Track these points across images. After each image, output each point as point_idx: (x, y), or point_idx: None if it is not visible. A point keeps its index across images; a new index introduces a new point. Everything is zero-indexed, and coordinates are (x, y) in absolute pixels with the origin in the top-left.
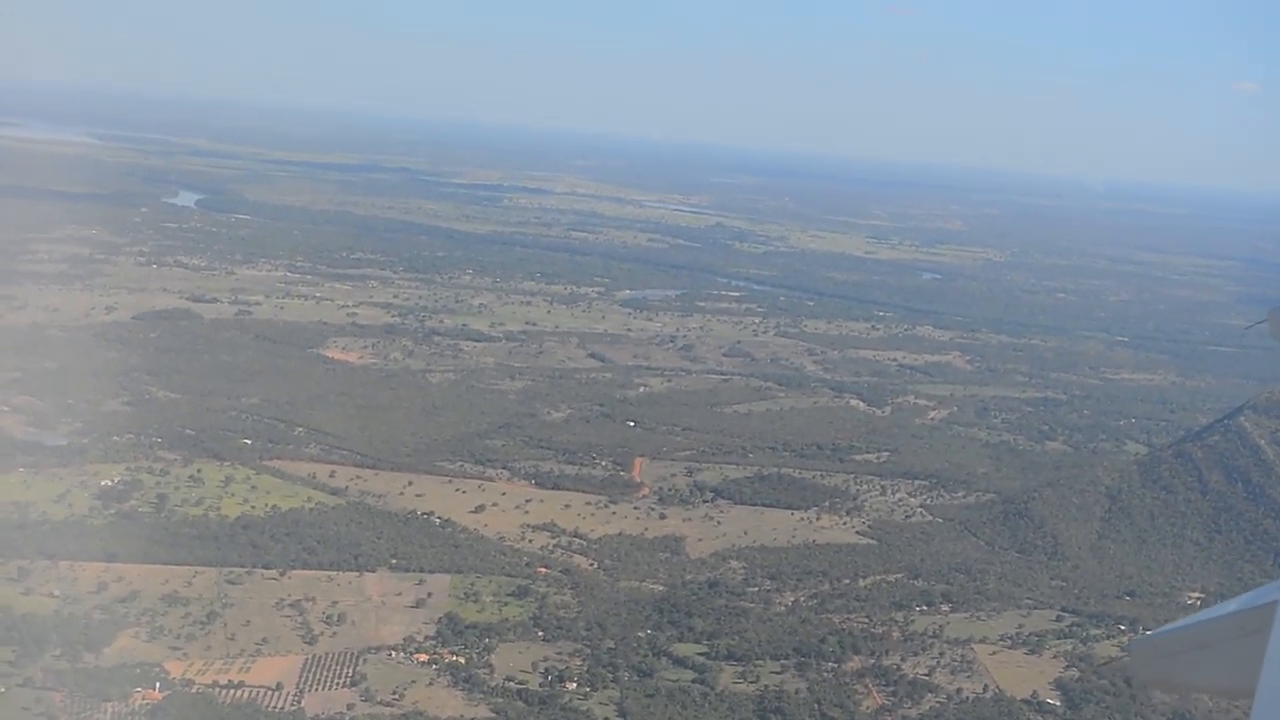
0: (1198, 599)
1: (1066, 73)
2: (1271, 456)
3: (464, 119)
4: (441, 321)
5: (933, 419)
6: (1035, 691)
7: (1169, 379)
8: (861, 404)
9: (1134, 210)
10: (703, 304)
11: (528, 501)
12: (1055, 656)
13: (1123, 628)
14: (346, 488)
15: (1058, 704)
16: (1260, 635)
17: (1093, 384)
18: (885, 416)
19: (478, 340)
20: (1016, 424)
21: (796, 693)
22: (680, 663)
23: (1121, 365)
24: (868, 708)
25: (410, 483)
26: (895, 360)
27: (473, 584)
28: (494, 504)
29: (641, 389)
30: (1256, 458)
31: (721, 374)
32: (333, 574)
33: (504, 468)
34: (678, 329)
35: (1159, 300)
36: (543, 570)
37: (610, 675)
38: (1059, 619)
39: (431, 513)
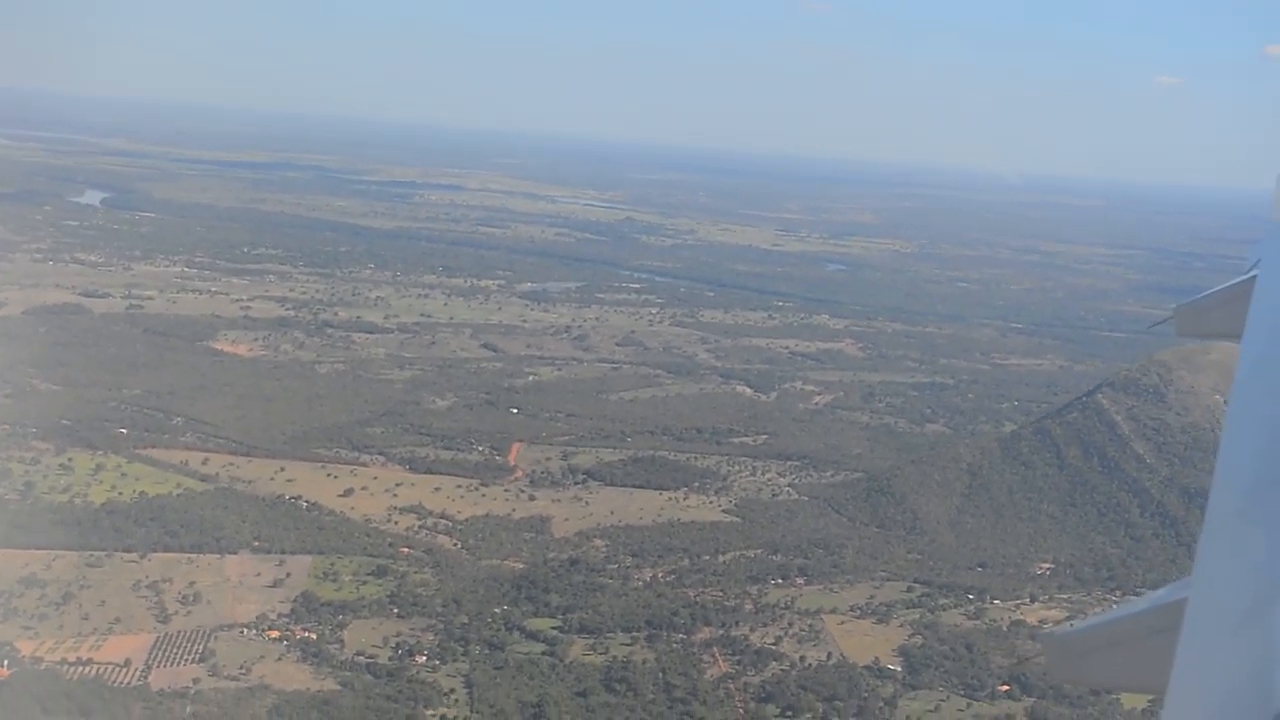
0: (1048, 569)
1: (987, 68)
2: (1126, 431)
3: (387, 118)
4: (336, 314)
5: (817, 404)
6: (877, 658)
7: (1057, 364)
8: (748, 390)
9: (1049, 203)
10: (602, 295)
11: (398, 485)
12: (902, 625)
13: (970, 597)
14: (217, 474)
15: (898, 669)
16: (1170, 633)
17: (981, 369)
18: (770, 402)
19: (370, 332)
20: (900, 408)
21: (644, 663)
22: (533, 636)
23: (1012, 351)
24: (711, 676)
25: (282, 469)
26: (788, 348)
27: (333, 564)
28: (364, 488)
29: (530, 378)
30: (1112, 433)
31: (612, 363)
32: (194, 556)
33: (380, 454)
34: (573, 320)
35: (1059, 289)
36: (405, 550)
37: (461, 649)
38: (910, 590)
39: (299, 497)
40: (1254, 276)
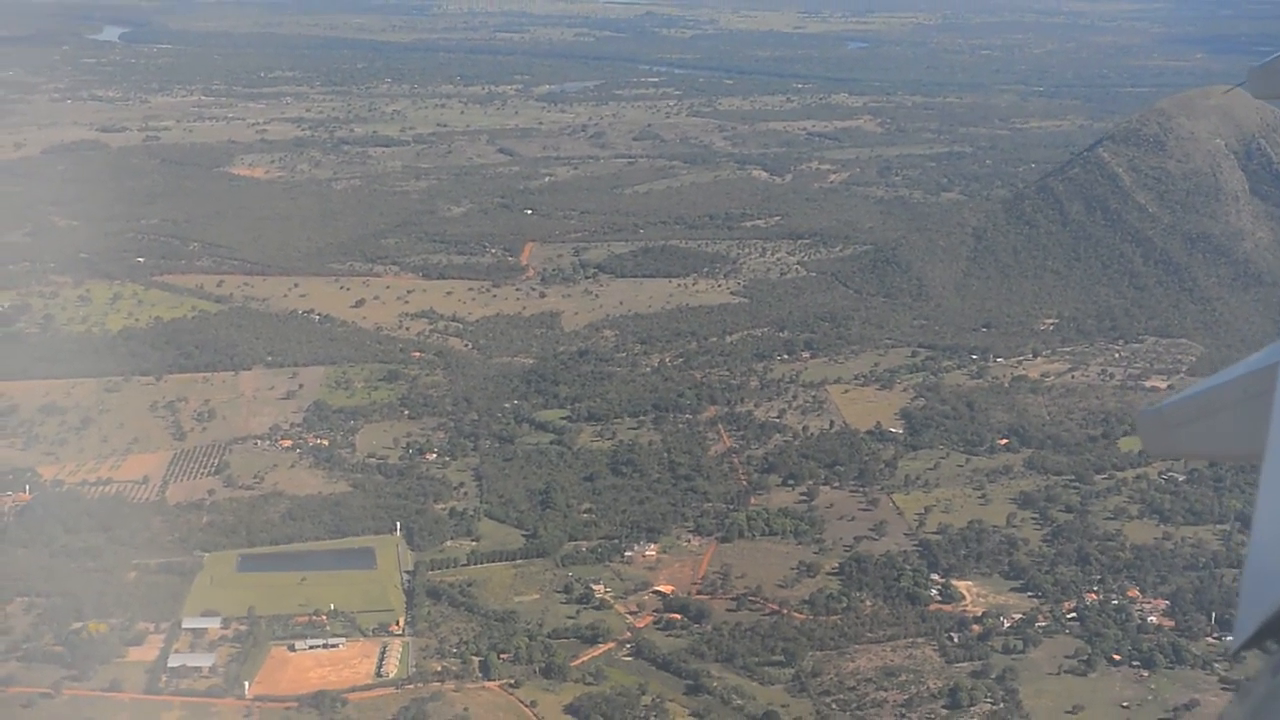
0: (1051, 324)
1: None
2: (1128, 183)
3: None
4: (352, 131)
5: (832, 182)
6: (879, 422)
7: (1077, 123)
8: (764, 174)
9: None
10: (620, 92)
11: (409, 293)
12: (905, 389)
13: (974, 357)
14: (231, 295)
15: (900, 431)
16: (1264, 398)
17: (1001, 135)
18: (785, 184)
19: (387, 146)
20: (916, 180)
21: (649, 444)
22: (542, 427)
23: (1032, 114)
24: (715, 452)
25: (295, 285)
26: (805, 129)
27: (345, 373)
28: (376, 297)
29: (546, 179)
30: (1114, 185)
31: (629, 157)
32: (208, 375)
33: (394, 263)
34: (590, 118)
35: (1082, 49)
36: (416, 354)
37: (471, 444)
38: (914, 355)
39: (312, 310)
40: None
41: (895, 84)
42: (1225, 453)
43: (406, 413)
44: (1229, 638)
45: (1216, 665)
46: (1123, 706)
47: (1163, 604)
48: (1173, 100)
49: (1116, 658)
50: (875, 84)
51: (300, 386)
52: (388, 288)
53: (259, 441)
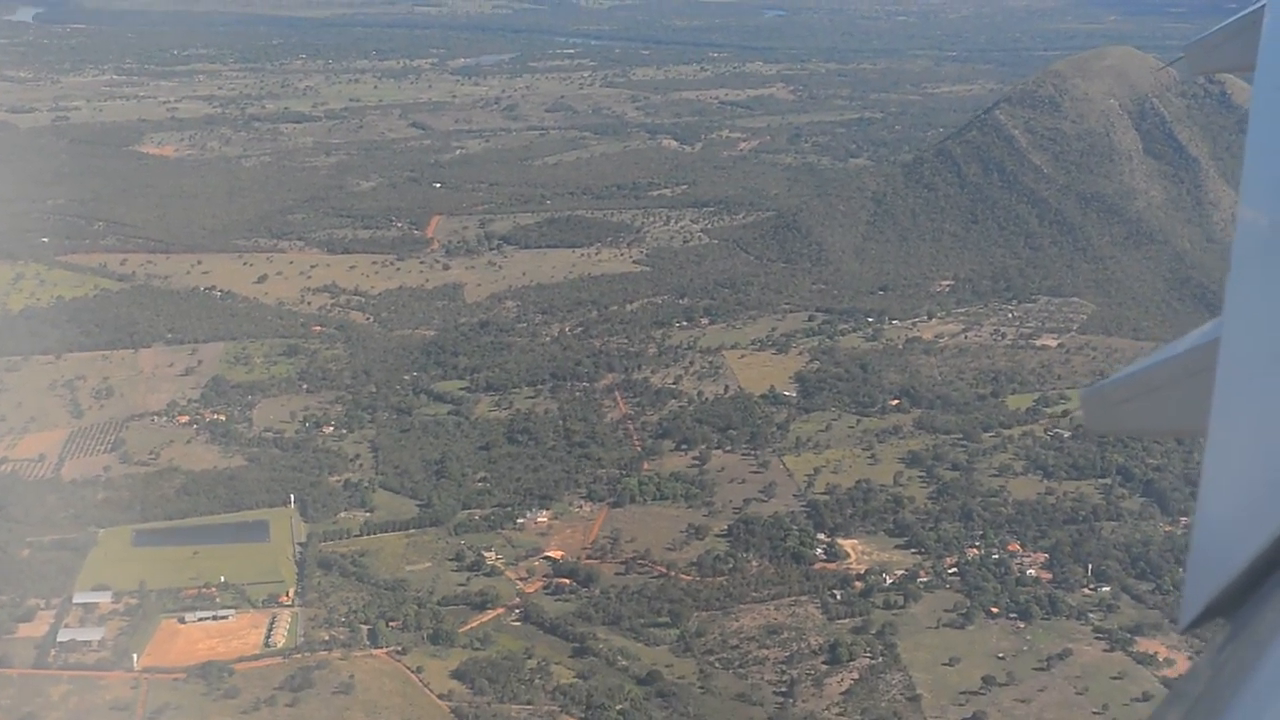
0: (948, 286)
1: None
2: (1024, 144)
3: None
4: (264, 107)
5: (742, 150)
6: (773, 386)
7: (987, 87)
8: (674, 143)
9: None
10: (535, 64)
11: (313, 268)
12: (801, 353)
13: (869, 320)
14: (134, 273)
15: (793, 394)
16: (1205, 374)
17: (911, 100)
18: (694, 153)
19: (298, 122)
20: (825, 146)
21: (546, 413)
22: (440, 398)
23: (943, 79)
24: (611, 418)
25: (199, 262)
26: (718, 98)
27: (244, 349)
28: (279, 273)
29: (458, 152)
30: (1010, 147)
31: (540, 129)
32: (108, 353)
33: (299, 239)
34: (504, 91)
35: (998, 13)
36: (316, 329)
37: (368, 417)
38: (811, 319)
39: (213, 287)
40: (1263, 6)
41: (810, 51)
42: (1167, 428)
43: (305, 387)
44: (1175, 620)
45: (1091, 615)
46: (998, 657)
47: (1042, 557)
48: (1068, 62)
49: (995, 610)
50: (791, 52)
51: (199, 363)
52: (291, 263)
53: (156, 418)
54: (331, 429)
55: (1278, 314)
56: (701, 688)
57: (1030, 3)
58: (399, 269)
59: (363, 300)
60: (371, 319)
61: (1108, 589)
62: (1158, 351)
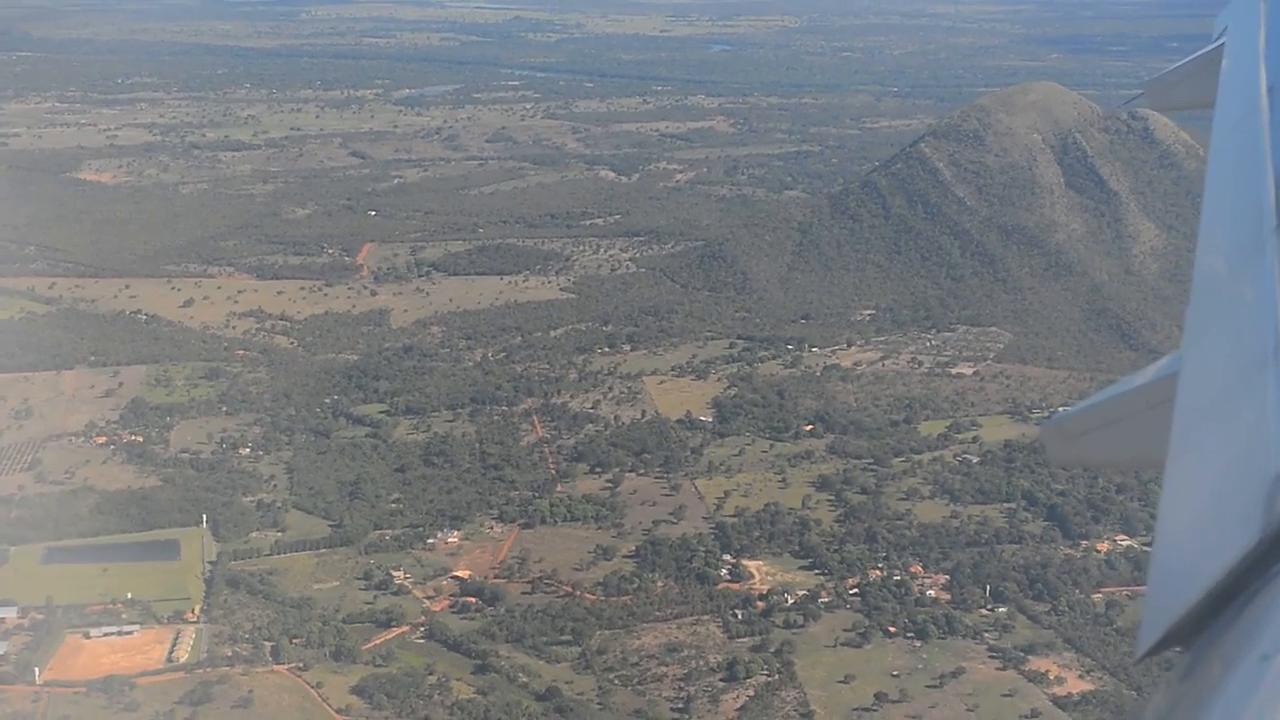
0: (868, 315)
1: None
2: (948, 177)
3: None
4: (204, 135)
5: (677, 181)
6: (689, 411)
7: (926, 122)
8: (611, 174)
9: None
10: (479, 96)
11: (240, 293)
12: (720, 379)
13: (790, 347)
14: (61, 297)
15: (710, 419)
16: (1165, 406)
17: (850, 134)
18: (630, 183)
19: (238, 150)
20: (760, 178)
21: (463, 436)
22: (359, 421)
23: (883, 115)
24: (527, 442)
25: (127, 286)
26: (659, 130)
27: (166, 371)
28: (205, 298)
29: (395, 180)
30: (934, 179)
31: (479, 159)
32: (30, 375)
33: (229, 265)
34: (445, 121)
35: (941, 50)
36: (240, 353)
37: (286, 439)
38: (732, 346)
39: (139, 311)
40: (1222, 45)
41: (753, 85)
42: (1128, 460)
43: (224, 409)
44: (1138, 643)
45: (986, 635)
46: (893, 675)
47: (943, 579)
48: (993, 96)
49: (893, 630)
50: (734, 86)
51: (120, 385)
52: (219, 288)
53: (74, 438)
54: (248, 450)
55: (1235, 348)
56: (599, 704)
57: (975, 40)
58: (326, 295)
59: (288, 325)
60: (296, 343)
61: (1004, 609)
62: (1118, 384)
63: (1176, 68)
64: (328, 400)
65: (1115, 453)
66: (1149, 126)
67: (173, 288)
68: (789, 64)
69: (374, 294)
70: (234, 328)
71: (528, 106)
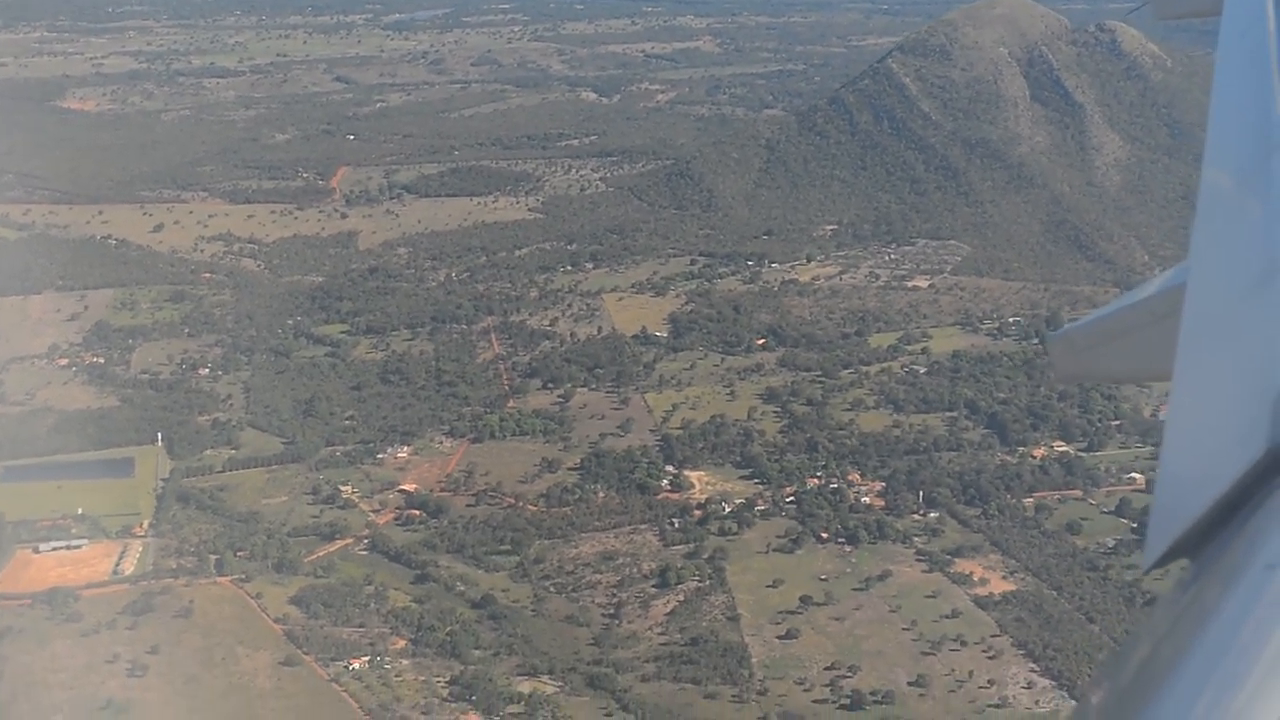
0: (831, 230)
1: None
2: (914, 92)
3: None
4: (190, 62)
5: (658, 102)
6: (645, 327)
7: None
8: (593, 95)
9: None
10: (468, 19)
11: (210, 217)
12: (678, 296)
13: (750, 263)
14: (34, 223)
15: (664, 335)
16: (1172, 318)
17: (835, 53)
18: (610, 104)
19: (222, 76)
20: (741, 98)
21: (420, 354)
22: (320, 341)
23: (870, 32)
24: (483, 359)
25: (100, 212)
26: (644, 51)
27: (132, 295)
28: (176, 223)
29: (378, 105)
30: (901, 95)
31: (463, 82)
32: None
33: (203, 190)
34: (432, 45)
35: None
36: (206, 276)
37: (245, 359)
38: (693, 263)
39: (109, 236)
40: None
41: (742, 4)
42: (1134, 374)
43: (187, 331)
44: (1142, 556)
45: (915, 539)
46: (820, 579)
47: (878, 486)
48: (961, 11)
49: (824, 536)
50: (723, 4)
51: (86, 308)
52: (190, 213)
53: (36, 360)
54: (207, 371)
55: (1242, 257)
56: (533, 611)
57: None
58: (297, 218)
59: (256, 248)
60: (262, 266)
61: (935, 515)
62: (1124, 296)
63: None
64: (290, 321)
65: (1121, 366)
66: (1116, 39)
67: (145, 213)
68: None
69: (344, 216)
70: (202, 251)
71: (515, 30)
